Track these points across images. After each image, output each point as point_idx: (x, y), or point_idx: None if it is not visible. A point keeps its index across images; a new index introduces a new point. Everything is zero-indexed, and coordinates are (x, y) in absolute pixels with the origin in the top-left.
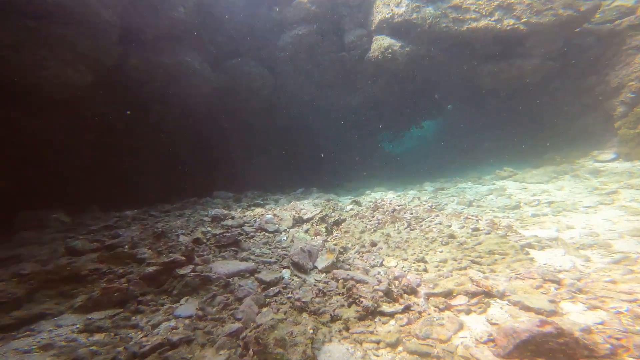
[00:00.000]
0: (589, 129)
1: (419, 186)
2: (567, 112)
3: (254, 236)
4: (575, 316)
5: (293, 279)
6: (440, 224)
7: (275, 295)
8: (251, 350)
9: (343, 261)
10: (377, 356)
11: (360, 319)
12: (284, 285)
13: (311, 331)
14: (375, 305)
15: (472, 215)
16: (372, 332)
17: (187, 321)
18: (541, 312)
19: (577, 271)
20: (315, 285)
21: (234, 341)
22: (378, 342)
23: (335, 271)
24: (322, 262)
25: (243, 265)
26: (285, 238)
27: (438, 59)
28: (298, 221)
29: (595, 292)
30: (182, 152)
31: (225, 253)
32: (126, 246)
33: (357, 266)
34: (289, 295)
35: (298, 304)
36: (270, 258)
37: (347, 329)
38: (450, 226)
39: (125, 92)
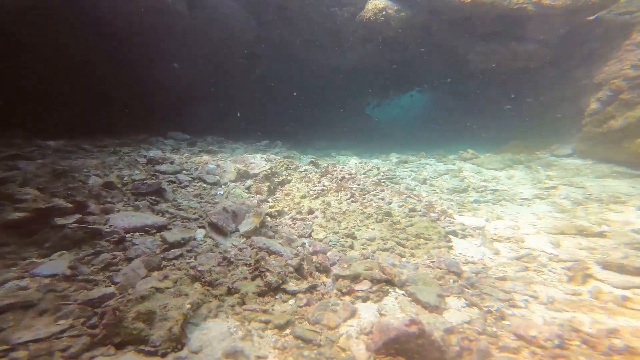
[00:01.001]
0: (560, 122)
1: (385, 156)
2: (545, 102)
3: (187, 186)
4: (452, 313)
5: (205, 242)
6: (382, 199)
7: (176, 258)
8: (104, 321)
9: (271, 227)
10: (261, 337)
11: (261, 294)
12: (190, 248)
13: (188, 306)
14: (280, 281)
15: (415, 195)
16: (266, 311)
17: (46, 281)
18: (427, 307)
19: (481, 264)
20: (226, 251)
21: (88, 310)
22: (267, 323)
23: (254, 238)
24: (246, 225)
25: (152, 220)
26: (222, 192)
27: (434, 29)
28: (243, 176)
29: (482, 288)
30: (152, 88)
31: (141, 202)
32: (17, 182)
33: (283, 234)
34: (190, 260)
35: (193, 272)
36: (194, 214)
37: (243, 304)
38: (390, 203)
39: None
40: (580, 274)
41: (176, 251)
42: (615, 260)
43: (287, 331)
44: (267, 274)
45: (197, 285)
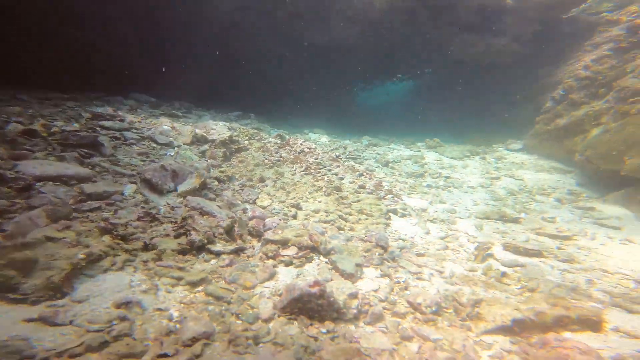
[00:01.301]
0: (519, 118)
1: (357, 138)
2: (512, 98)
3: (133, 144)
4: (365, 281)
5: (134, 197)
6: (336, 175)
7: (91, 210)
8: None
9: (215, 190)
10: (169, 292)
11: (182, 252)
12: (112, 202)
13: (82, 256)
14: (206, 241)
15: (368, 174)
16: (182, 269)
17: None
18: (343, 274)
19: (410, 241)
20: (154, 208)
21: None
22: (180, 279)
23: (190, 198)
24: (186, 185)
25: (73, 170)
26: (172, 154)
27: (418, 16)
28: (200, 140)
29: (401, 262)
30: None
31: (69, 154)
32: None
33: (225, 198)
34: (106, 214)
35: (104, 224)
36: (132, 170)
37: (158, 260)
38: (342, 179)
39: None
40: (482, 253)
41: (93, 203)
42: (515, 242)
43: (200, 288)
44: (193, 232)
45: (106, 238)
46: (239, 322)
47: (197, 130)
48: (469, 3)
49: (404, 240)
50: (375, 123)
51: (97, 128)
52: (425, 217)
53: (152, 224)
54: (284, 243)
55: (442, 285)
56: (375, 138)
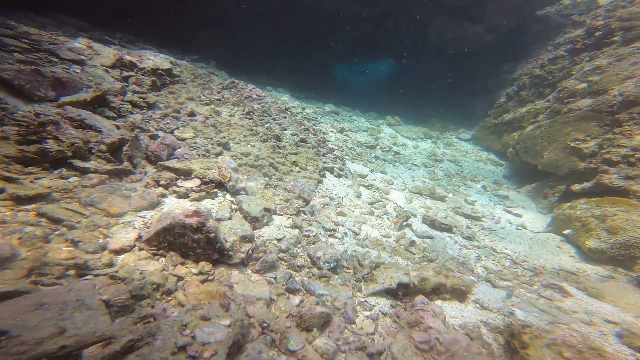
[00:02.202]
0: (477, 109)
1: (321, 104)
2: (477, 89)
3: (16, 51)
4: (271, 228)
5: None
6: (279, 125)
7: None
8: None
9: (118, 110)
10: None
11: (22, 162)
12: None
13: None
14: (70, 154)
15: (314, 130)
16: (9, 179)
17: None
18: (247, 217)
19: (337, 200)
20: (6, 110)
21: None
22: (17, 198)
23: (69, 107)
24: (73, 97)
25: None
26: (76, 70)
27: None
28: (126, 66)
29: (318, 216)
30: None
31: None
32: None
33: (129, 120)
34: None
35: None
36: None
37: None
38: (285, 129)
39: None
40: (400, 221)
41: None
42: (433, 216)
43: (32, 206)
44: (50, 141)
45: None
46: (67, 249)
47: (126, 57)
48: None
49: (331, 198)
50: (345, 95)
51: None
52: (361, 182)
53: None
54: (186, 173)
55: (352, 245)
56: (339, 108)
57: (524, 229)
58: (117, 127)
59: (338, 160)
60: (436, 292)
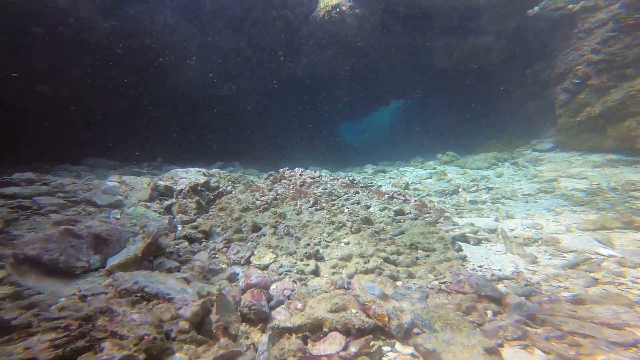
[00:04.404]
0: (531, 117)
1: (359, 168)
2: (513, 99)
3: (54, 212)
4: None
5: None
6: (357, 203)
7: None
8: None
9: (179, 255)
10: None
11: None
12: None
13: None
14: (145, 355)
15: (399, 194)
16: None
17: None
18: None
19: (522, 279)
20: (42, 302)
21: None
22: None
23: (120, 274)
24: (121, 256)
25: None
26: (117, 216)
27: (393, 29)
28: (163, 193)
29: (558, 324)
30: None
31: None
32: None
33: (197, 263)
34: None
35: None
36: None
37: None
38: (369, 207)
39: None
40: None
41: None
42: None
43: None
44: (109, 344)
45: None
46: None
47: (160, 182)
48: (441, 7)
49: (509, 278)
50: (371, 154)
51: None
52: (511, 239)
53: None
54: (315, 328)
55: None
56: (379, 165)
57: None
58: (188, 282)
59: (453, 221)
60: None
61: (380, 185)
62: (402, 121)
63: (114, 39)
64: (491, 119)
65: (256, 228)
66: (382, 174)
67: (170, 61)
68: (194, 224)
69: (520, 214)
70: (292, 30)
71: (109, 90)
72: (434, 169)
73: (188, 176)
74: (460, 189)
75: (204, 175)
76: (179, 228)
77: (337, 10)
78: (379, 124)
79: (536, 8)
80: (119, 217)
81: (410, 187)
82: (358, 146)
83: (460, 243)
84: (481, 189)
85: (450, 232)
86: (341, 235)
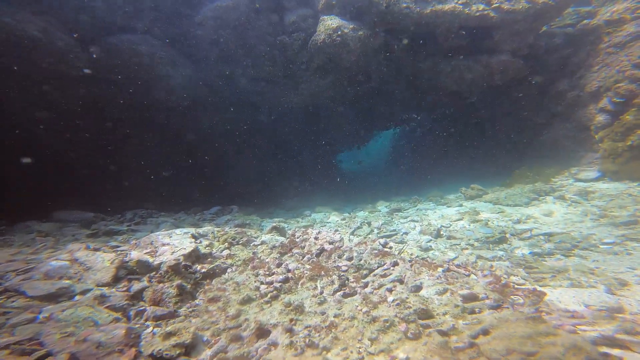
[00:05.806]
0: (559, 141)
1: (371, 206)
2: (534, 122)
3: None
4: None
5: None
6: (401, 282)
7: None
8: None
9: None
10: None
11: None
12: None
13: None
14: None
15: (457, 266)
16: None
17: None
18: None
19: None
20: None
21: None
22: None
23: None
24: None
25: None
26: (45, 315)
27: (396, 51)
28: (133, 271)
29: None
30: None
31: None
32: None
33: None
34: None
35: None
36: None
37: None
38: (419, 289)
39: None
40: None
41: None
42: None
43: None
44: None
45: None
46: None
47: (133, 254)
48: (449, 24)
49: None
50: (377, 185)
51: None
52: None
53: None
54: None
55: None
56: (391, 202)
57: None
58: None
59: (568, 310)
60: None
61: (406, 233)
62: (404, 148)
63: (96, 71)
64: (509, 145)
65: (262, 332)
66: (400, 215)
67: (158, 96)
68: (171, 328)
69: (627, 274)
70: (289, 58)
71: (89, 129)
72: (460, 205)
73: (172, 242)
74: (507, 235)
75: (193, 237)
76: (147, 339)
77: (339, 32)
78: (380, 150)
79: (546, 27)
80: (50, 328)
81: (443, 234)
82: (359, 169)
83: (607, 350)
84: (537, 235)
85: (581, 333)
86: (392, 344)
